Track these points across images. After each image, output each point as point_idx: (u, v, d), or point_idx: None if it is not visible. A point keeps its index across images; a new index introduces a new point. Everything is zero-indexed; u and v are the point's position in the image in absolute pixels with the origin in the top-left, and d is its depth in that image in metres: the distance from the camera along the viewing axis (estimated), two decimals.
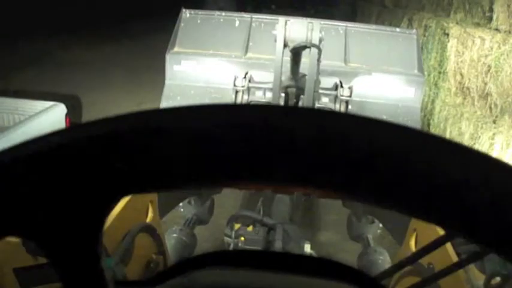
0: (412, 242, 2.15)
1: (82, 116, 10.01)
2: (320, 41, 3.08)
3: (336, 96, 4.45)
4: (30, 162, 0.38)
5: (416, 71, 4.66)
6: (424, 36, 7.89)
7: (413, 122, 4.50)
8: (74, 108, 8.90)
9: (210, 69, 4.60)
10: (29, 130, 6.55)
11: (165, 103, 4.54)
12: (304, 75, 3.39)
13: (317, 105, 4.27)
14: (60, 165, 0.38)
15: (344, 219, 4.25)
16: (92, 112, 10.07)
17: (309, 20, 4.65)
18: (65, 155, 0.38)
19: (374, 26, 5.40)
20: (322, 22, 4.78)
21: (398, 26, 9.28)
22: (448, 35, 7.00)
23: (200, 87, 4.57)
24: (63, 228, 0.39)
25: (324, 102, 4.48)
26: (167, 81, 4.63)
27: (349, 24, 4.90)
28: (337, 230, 4.98)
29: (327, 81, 4.51)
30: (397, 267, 1.35)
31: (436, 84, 7.45)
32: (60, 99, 7.60)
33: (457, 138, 6.51)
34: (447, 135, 6.86)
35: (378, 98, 4.54)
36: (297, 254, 0.81)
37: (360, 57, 4.71)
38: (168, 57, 4.62)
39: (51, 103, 7.31)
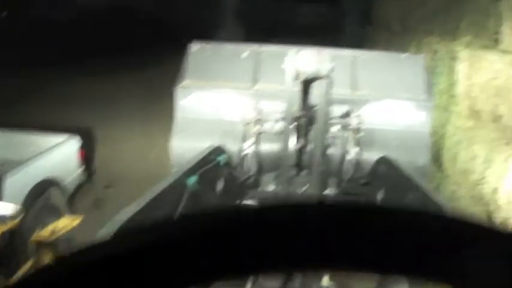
0: None
1: (95, 149, 10.05)
2: (330, 72, 3.09)
3: (346, 124, 4.47)
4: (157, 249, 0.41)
5: (424, 96, 4.67)
6: (433, 60, 7.88)
7: (423, 147, 4.49)
8: (86, 141, 8.97)
9: (219, 101, 4.63)
10: (45, 164, 6.60)
11: (176, 137, 4.55)
12: (314, 106, 3.39)
13: (327, 134, 4.28)
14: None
15: None
16: (103, 147, 10.12)
17: (317, 49, 4.73)
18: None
19: (381, 53, 5.43)
20: (331, 50, 4.84)
21: (406, 51, 9.31)
22: (456, 58, 7.00)
23: (210, 119, 4.59)
24: None
25: (334, 130, 4.50)
26: (177, 115, 4.65)
27: (357, 52, 4.92)
28: None
29: (336, 110, 4.53)
30: None
31: (446, 109, 7.42)
32: (73, 132, 7.66)
33: (470, 162, 6.45)
34: (459, 159, 6.80)
35: (388, 125, 4.55)
36: None
37: (368, 85, 4.73)
38: (177, 90, 4.65)
39: (64, 136, 7.36)
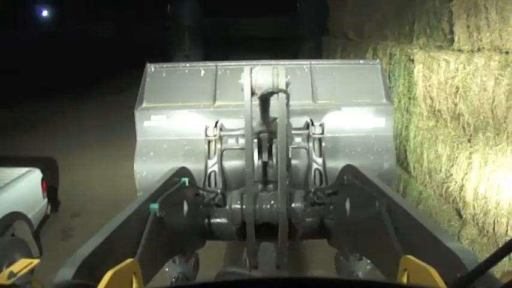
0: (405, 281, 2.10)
1: (59, 179, 9.88)
2: (287, 85, 3.07)
3: (309, 135, 4.47)
4: None
5: (384, 100, 4.70)
6: (390, 64, 7.98)
7: (387, 151, 4.51)
8: (49, 171, 8.81)
9: (180, 121, 4.58)
10: (7, 197, 6.44)
11: (139, 161, 4.48)
12: (275, 119, 3.37)
13: (291, 146, 4.27)
14: None
15: (332, 257, 4.18)
16: (68, 176, 9.95)
17: (272, 62, 4.73)
18: None
19: (338, 61, 5.48)
20: (287, 63, 4.84)
21: (363, 57, 9.43)
22: (413, 60, 7.09)
23: (172, 140, 4.54)
24: None
25: (297, 142, 4.49)
26: (139, 138, 4.59)
27: (313, 62, 4.94)
28: (327, 267, 4.90)
29: (298, 121, 4.52)
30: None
31: (407, 110, 7.51)
32: (35, 164, 7.51)
33: (435, 162, 6.53)
34: (424, 160, 6.88)
35: (350, 132, 4.56)
36: None
37: (328, 94, 4.74)
38: (137, 113, 4.59)
39: (26, 169, 7.21)
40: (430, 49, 6.84)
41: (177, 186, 3.46)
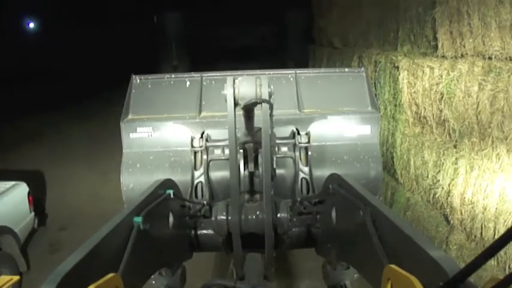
0: None
1: (46, 192, 9.83)
2: (270, 95, 3.07)
3: (295, 144, 4.46)
4: None
5: (370, 108, 4.71)
6: (375, 71, 8.03)
7: (374, 159, 4.52)
8: (37, 185, 8.76)
9: (166, 132, 4.56)
10: None
11: (125, 172, 4.45)
12: (259, 129, 3.37)
13: (276, 156, 4.27)
14: None
15: (320, 265, 4.18)
16: (55, 188, 9.89)
17: (257, 72, 4.72)
18: None
19: (323, 70, 5.48)
20: (272, 72, 4.85)
21: (349, 65, 9.48)
22: (398, 67, 7.14)
23: (158, 152, 4.52)
24: None
25: (283, 151, 4.49)
26: (125, 150, 4.56)
27: (298, 71, 4.94)
28: (315, 277, 4.90)
29: (283, 131, 4.52)
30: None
31: (393, 117, 7.55)
32: (21, 177, 7.47)
33: (422, 168, 6.56)
34: (411, 166, 6.91)
35: (336, 140, 4.56)
36: None
37: (314, 102, 4.74)
38: (122, 125, 4.56)
39: (12, 182, 7.17)
40: (415, 56, 6.89)
41: (162, 198, 3.44)
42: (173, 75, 4.99)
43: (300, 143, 4.45)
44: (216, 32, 24.44)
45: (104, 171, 10.37)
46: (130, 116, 4.67)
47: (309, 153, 4.46)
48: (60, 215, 8.86)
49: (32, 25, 33.43)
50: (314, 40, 14.32)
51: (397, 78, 7.15)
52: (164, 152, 4.52)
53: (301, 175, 4.42)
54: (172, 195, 3.63)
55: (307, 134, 4.51)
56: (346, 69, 5.36)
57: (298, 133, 4.51)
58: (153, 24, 23.06)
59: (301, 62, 14.60)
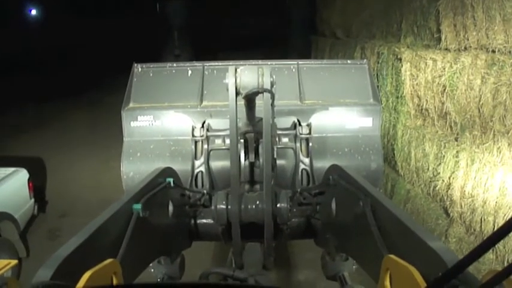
0: (387, 282, 2.10)
1: (46, 179, 9.83)
2: (272, 85, 3.05)
3: (296, 135, 4.46)
4: None
5: (371, 100, 4.69)
6: (378, 63, 8.00)
7: (375, 151, 4.51)
8: (37, 171, 8.77)
9: (167, 121, 4.55)
10: None
11: (126, 160, 4.45)
12: (260, 119, 3.35)
13: (276, 146, 4.26)
14: None
15: (319, 256, 4.19)
16: (56, 175, 9.90)
17: (259, 62, 4.71)
18: None
19: (325, 61, 5.45)
20: (274, 63, 4.83)
21: (351, 56, 9.45)
22: (400, 59, 7.12)
23: (159, 140, 4.51)
24: None
25: (284, 142, 4.48)
26: (125, 139, 4.55)
27: (301, 62, 4.92)
28: (314, 267, 4.91)
29: (285, 121, 4.51)
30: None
31: (395, 109, 7.53)
32: (22, 164, 7.47)
33: (423, 160, 6.55)
34: (412, 158, 6.90)
35: (338, 132, 4.55)
36: None
37: (315, 93, 4.72)
38: (124, 114, 4.55)
39: (12, 169, 7.17)
40: (418, 48, 6.86)
41: (162, 187, 3.44)
42: (175, 64, 4.97)
43: (301, 134, 4.45)
44: (218, 22, 24.40)
45: (105, 159, 10.37)
46: (131, 105, 4.66)
47: (310, 144, 4.45)
48: (61, 202, 8.87)
49: (33, 12, 33.28)
50: (317, 30, 14.26)
51: (400, 70, 7.14)
52: (165, 140, 4.51)
53: (302, 166, 4.42)
54: (172, 184, 3.63)
55: (309, 125, 4.50)
56: (349, 61, 5.33)
57: (300, 124, 4.50)
58: (155, 13, 22.96)
59: (304, 53, 14.54)
